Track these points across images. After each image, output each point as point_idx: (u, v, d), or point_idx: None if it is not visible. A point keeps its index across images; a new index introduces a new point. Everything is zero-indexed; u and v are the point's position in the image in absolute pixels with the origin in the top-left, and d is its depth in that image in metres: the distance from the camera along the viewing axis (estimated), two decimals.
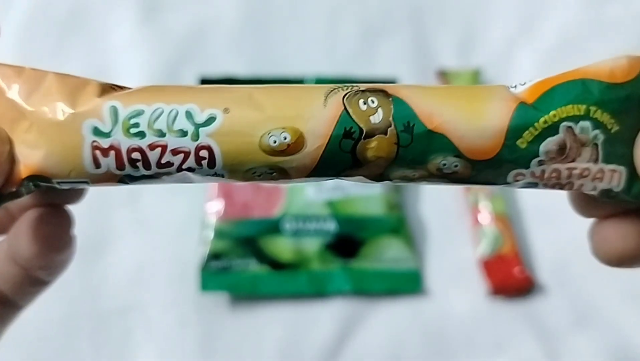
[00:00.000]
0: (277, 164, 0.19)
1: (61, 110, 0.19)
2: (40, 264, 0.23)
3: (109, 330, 0.46)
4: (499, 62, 0.58)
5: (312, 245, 0.48)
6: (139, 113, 0.19)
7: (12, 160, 0.20)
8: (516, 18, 0.61)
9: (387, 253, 0.49)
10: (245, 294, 0.47)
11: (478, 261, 0.49)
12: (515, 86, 0.20)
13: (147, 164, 0.19)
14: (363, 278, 0.48)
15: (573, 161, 0.20)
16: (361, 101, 0.20)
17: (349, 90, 0.20)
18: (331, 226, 0.49)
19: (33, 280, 0.24)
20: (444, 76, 0.56)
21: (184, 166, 0.19)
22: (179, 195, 0.50)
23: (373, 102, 0.20)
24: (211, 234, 0.48)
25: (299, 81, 0.53)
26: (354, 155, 0.19)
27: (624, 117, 0.20)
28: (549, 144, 0.20)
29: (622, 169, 0.20)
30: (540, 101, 0.20)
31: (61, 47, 0.57)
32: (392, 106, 0.20)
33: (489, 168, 0.20)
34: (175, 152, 0.19)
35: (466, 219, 0.51)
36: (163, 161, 0.19)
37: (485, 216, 0.50)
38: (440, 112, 0.20)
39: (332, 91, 0.20)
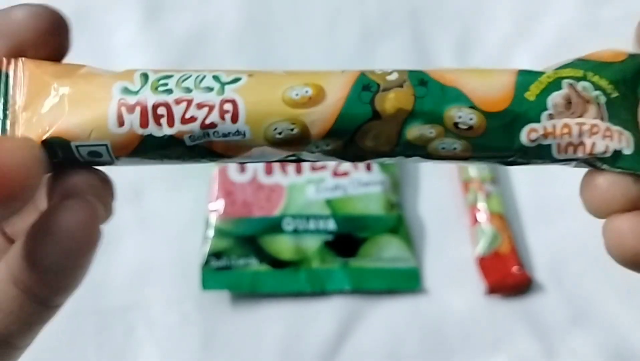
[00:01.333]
0: (298, 117, 0.20)
1: (94, 77, 0.20)
2: (48, 283, 0.20)
3: (112, 328, 0.46)
4: (496, 63, 0.58)
5: (312, 244, 0.49)
6: (168, 77, 0.20)
7: (42, 164, 0.19)
8: (513, 19, 0.61)
9: (386, 252, 0.49)
10: (246, 292, 0.48)
11: (476, 259, 0.49)
12: None
13: (171, 120, 0.20)
14: (362, 277, 0.48)
15: (581, 116, 0.21)
16: (376, 69, 0.21)
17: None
18: (331, 225, 0.49)
19: (34, 307, 0.20)
20: None
21: (207, 121, 0.20)
22: (182, 194, 0.51)
23: (388, 70, 0.21)
24: (212, 233, 0.48)
25: None
26: (373, 106, 0.20)
27: (620, 87, 0.21)
28: (555, 97, 0.21)
29: (628, 133, 0.21)
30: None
31: None
32: (406, 70, 0.21)
33: (503, 122, 0.20)
34: (200, 105, 0.20)
35: (464, 218, 0.52)
36: (187, 115, 0.20)
37: (483, 215, 0.50)
38: (451, 74, 0.21)
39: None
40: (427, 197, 0.53)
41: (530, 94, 0.21)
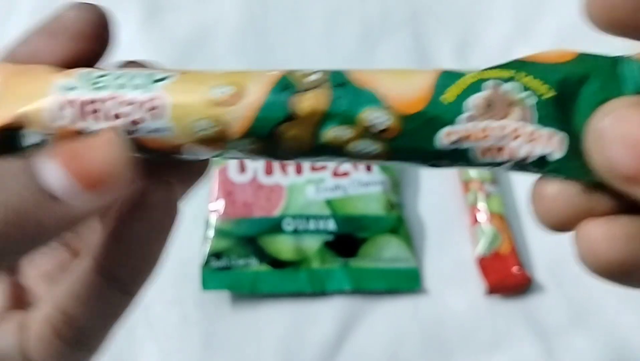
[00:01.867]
0: (218, 116, 0.21)
1: (40, 74, 0.21)
2: (130, 262, 0.22)
3: None
4: (496, 63, 0.58)
5: (312, 244, 0.49)
6: (105, 75, 0.21)
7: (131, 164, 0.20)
8: (514, 19, 0.61)
9: (386, 252, 0.49)
10: (246, 292, 0.48)
11: (476, 259, 0.49)
12: None
13: (103, 115, 0.21)
14: (362, 277, 0.48)
15: (503, 119, 0.20)
16: (302, 69, 0.21)
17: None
18: (331, 225, 0.49)
19: (113, 294, 0.23)
20: None
21: (135, 117, 0.21)
22: None
23: (311, 70, 0.21)
24: (212, 233, 0.48)
25: None
26: (289, 107, 0.21)
27: (559, 87, 0.20)
28: (475, 99, 0.20)
29: (563, 134, 0.20)
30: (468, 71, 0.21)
31: None
32: (329, 71, 0.21)
33: (418, 123, 0.20)
34: (129, 102, 0.21)
35: (464, 219, 0.52)
36: (118, 111, 0.21)
37: (483, 216, 0.51)
38: (371, 75, 0.21)
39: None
40: (427, 197, 0.53)
41: (448, 96, 0.20)
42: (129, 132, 0.21)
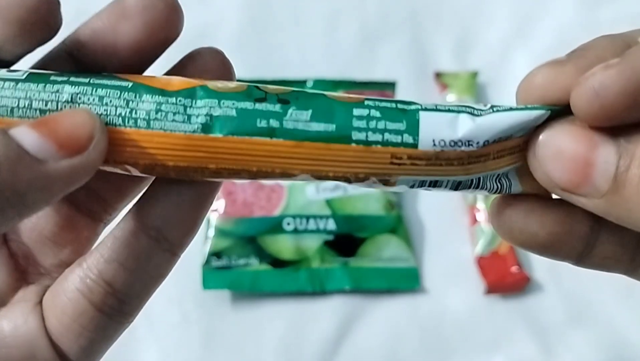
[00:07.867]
0: None
1: None
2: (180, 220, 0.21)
3: None
4: (495, 64, 0.59)
5: (312, 243, 0.49)
6: None
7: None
8: (512, 20, 0.61)
9: (386, 252, 0.49)
10: (246, 292, 0.48)
11: (475, 259, 0.50)
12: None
13: None
14: (362, 276, 0.48)
15: None
16: None
17: None
18: (331, 224, 0.49)
19: (161, 255, 0.21)
20: (441, 78, 0.57)
21: None
22: None
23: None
24: (212, 233, 0.49)
25: (301, 83, 0.54)
26: None
27: None
28: None
29: None
30: None
31: None
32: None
33: None
34: None
35: (464, 218, 0.52)
36: None
37: (482, 215, 0.51)
38: None
39: None
40: (427, 197, 0.53)
41: None
42: None
